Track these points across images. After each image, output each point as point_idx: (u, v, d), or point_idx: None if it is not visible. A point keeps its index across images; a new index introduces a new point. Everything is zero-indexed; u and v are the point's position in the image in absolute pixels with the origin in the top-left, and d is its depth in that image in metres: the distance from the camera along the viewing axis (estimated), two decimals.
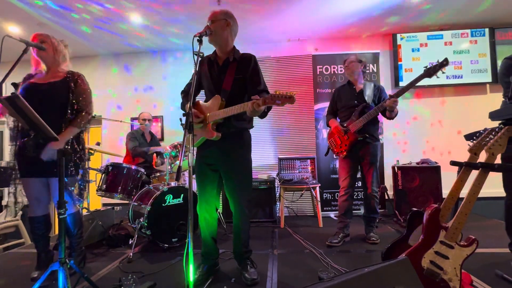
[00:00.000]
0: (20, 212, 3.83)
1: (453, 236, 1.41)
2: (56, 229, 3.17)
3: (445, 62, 2.00)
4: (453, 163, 1.61)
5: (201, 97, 1.97)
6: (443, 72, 2.04)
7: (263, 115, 1.68)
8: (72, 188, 1.90)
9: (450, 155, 3.77)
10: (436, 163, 3.17)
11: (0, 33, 3.33)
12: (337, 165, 3.43)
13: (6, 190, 4.09)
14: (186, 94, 1.88)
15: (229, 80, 1.71)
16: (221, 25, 1.71)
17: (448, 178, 3.26)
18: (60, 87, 1.85)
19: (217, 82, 1.75)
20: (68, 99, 1.84)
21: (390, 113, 2.30)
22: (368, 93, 2.42)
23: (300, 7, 3.24)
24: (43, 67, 1.88)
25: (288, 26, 3.69)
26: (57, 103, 1.82)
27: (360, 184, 3.36)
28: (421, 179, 3.12)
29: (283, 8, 3.26)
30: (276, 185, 3.38)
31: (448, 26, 3.74)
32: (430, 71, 2.06)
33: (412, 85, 2.17)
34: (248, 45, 4.05)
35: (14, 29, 3.46)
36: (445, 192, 3.07)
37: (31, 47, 1.73)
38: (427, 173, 3.13)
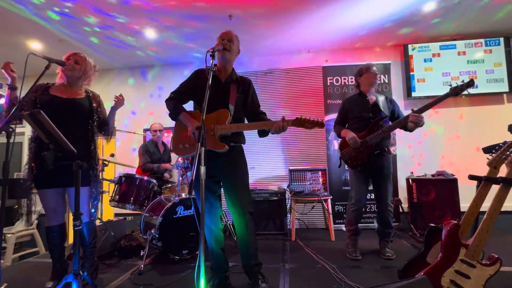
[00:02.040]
0: (36, 221, 3.93)
1: (474, 254, 1.35)
2: (70, 239, 3.21)
3: (471, 83, 1.96)
4: (472, 177, 1.56)
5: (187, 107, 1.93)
6: (468, 93, 2.04)
7: (265, 135, 1.86)
8: (92, 198, 1.96)
9: (466, 168, 3.64)
10: (453, 175, 3.07)
11: (23, 50, 3.58)
12: (348, 177, 3.36)
13: (24, 200, 4.22)
14: (176, 102, 1.85)
15: (233, 97, 1.81)
16: (234, 48, 1.83)
17: (466, 191, 3.15)
18: (83, 104, 1.97)
19: (221, 97, 1.80)
20: (90, 115, 1.98)
21: (416, 126, 2.18)
22: (383, 106, 2.41)
23: (310, 20, 3.28)
24: (65, 80, 1.97)
25: (298, 38, 3.73)
26: (81, 118, 1.94)
27: (371, 196, 3.30)
28: (437, 192, 3.03)
29: (293, 21, 3.31)
30: (286, 197, 3.34)
31: (461, 35, 3.70)
32: (457, 90, 1.99)
33: (437, 102, 2.07)
34: (258, 57, 4.12)
35: (36, 46, 3.63)
36: (463, 205, 2.99)
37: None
38: (443, 185, 3.03)
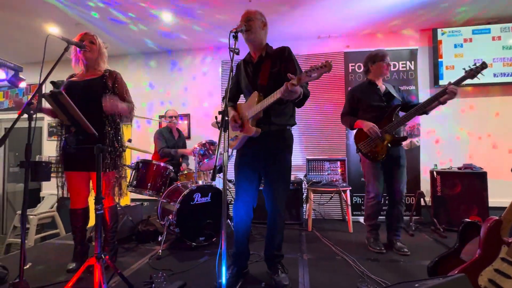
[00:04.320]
0: (56, 204, 4.05)
1: None
2: (91, 221, 3.31)
3: (484, 66, 1.98)
4: None
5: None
6: (483, 75, 2.00)
7: (299, 104, 1.64)
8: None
9: (495, 161, 3.44)
10: (481, 168, 2.91)
11: (40, 34, 3.58)
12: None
13: (43, 183, 4.34)
14: (228, 100, 1.83)
15: (265, 75, 1.69)
16: (258, 24, 1.72)
17: (495, 186, 2.99)
18: (96, 84, 1.91)
19: (253, 79, 1.74)
20: (103, 95, 1.88)
21: (450, 99, 2.04)
22: (395, 94, 2.33)
23: (331, 3, 3.10)
24: (82, 64, 1.93)
25: (318, 23, 3.56)
26: (93, 99, 1.87)
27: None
28: (464, 185, 2.88)
29: (313, 4, 3.14)
30: (303, 187, 3.28)
31: (496, 19, 3.42)
32: (472, 73, 1.99)
33: (462, 81, 2.03)
34: (276, 42, 3.91)
35: (53, 30, 3.63)
36: (491, 201, 2.83)
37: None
38: (470, 179, 2.88)
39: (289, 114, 1.75)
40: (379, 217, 2.41)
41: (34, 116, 1.48)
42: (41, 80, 1.65)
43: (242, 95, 1.94)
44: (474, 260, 1.31)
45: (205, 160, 2.70)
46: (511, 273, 1.24)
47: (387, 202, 2.44)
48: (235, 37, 1.52)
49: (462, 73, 2.03)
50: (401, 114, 2.28)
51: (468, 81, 2.05)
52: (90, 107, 1.83)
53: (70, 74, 2.01)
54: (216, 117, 1.59)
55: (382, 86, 2.38)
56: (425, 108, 2.13)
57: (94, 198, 1.47)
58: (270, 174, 1.71)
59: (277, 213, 1.71)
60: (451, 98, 2.01)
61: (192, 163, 3.51)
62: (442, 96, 2.03)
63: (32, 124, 1.45)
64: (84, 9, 3.18)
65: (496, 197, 2.93)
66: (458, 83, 2.02)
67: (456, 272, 1.32)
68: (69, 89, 1.84)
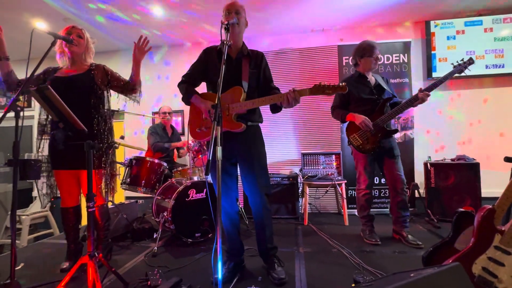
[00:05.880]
0: (49, 204, 3.98)
1: (510, 241, 1.26)
2: (84, 220, 3.27)
3: (471, 61, 2.13)
4: (508, 159, 1.44)
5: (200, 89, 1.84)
6: (469, 70, 2.16)
7: (278, 110, 1.73)
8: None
9: (487, 152, 3.49)
10: (474, 159, 2.94)
11: (27, 29, 3.47)
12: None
13: (35, 182, 4.27)
14: (189, 85, 1.79)
15: (246, 73, 1.70)
16: (243, 21, 1.71)
17: (487, 177, 3.03)
18: (84, 79, 1.86)
19: (234, 74, 1.70)
20: (92, 90, 1.85)
21: (421, 103, 2.17)
22: (384, 86, 2.34)
23: None
24: (67, 58, 1.86)
25: (311, 16, 3.53)
26: (81, 95, 1.82)
27: (383, 180, 3.30)
28: (457, 177, 2.91)
29: None
30: (299, 181, 3.28)
31: (488, 11, 3.43)
32: (461, 68, 2.14)
33: (443, 81, 2.15)
34: (270, 36, 3.93)
35: (41, 25, 3.54)
36: (484, 191, 2.87)
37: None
38: (463, 170, 2.91)
39: (259, 113, 1.81)
40: (371, 209, 2.45)
41: (22, 113, 1.43)
42: (27, 77, 1.61)
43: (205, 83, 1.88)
44: (468, 249, 1.32)
45: (200, 156, 2.67)
46: (505, 261, 1.26)
47: (388, 193, 2.45)
48: (227, 29, 1.49)
49: (451, 68, 2.14)
50: None
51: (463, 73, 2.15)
52: (78, 103, 1.78)
53: (55, 67, 1.92)
54: (209, 111, 1.56)
55: (372, 78, 2.38)
56: (402, 111, 2.20)
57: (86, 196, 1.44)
58: (252, 169, 1.69)
59: (263, 207, 1.71)
60: (422, 103, 2.13)
61: (187, 158, 3.49)
62: (415, 101, 2.13)
63: (20, 123, 1.40)
64: (72, 2, 3.10)
65: (488, 188, 2.98)
66: (431, 88, 2.12)
67: (451, 261, 1.34)
68: (55, 85, 1.78)
